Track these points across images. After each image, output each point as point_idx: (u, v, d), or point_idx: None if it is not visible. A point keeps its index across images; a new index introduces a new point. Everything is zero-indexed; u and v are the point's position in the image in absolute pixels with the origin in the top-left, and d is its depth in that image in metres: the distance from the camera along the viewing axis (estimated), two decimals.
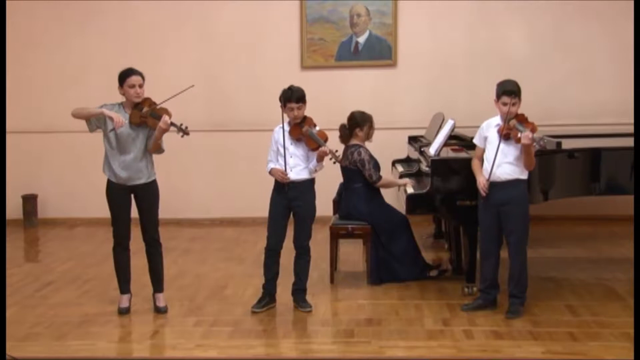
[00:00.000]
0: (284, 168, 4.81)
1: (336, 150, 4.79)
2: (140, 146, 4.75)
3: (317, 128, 4.83)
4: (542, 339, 4.32)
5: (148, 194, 4.84)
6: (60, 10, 7.93)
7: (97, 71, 7.66)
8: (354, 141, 5.60)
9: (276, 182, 4.89)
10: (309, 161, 4.88)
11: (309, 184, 4.91)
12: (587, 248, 6.54)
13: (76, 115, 4.72)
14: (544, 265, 5.88)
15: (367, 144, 5.64)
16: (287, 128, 4.84)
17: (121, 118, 4.62)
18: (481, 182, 4.68)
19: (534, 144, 4.39)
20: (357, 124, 5.58)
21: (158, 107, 4.72)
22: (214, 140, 7.85)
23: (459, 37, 7.68)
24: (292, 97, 4.76)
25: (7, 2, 7.07)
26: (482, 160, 4.77)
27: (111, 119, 4.59)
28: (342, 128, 5.65)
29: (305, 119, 4.82)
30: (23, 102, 8.02)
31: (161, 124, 4.61)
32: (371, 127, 5.63)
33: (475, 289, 5.04)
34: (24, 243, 7.48)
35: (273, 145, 4.91)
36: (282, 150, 4.82)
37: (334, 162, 4.79)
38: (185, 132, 4.63)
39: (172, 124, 4.64)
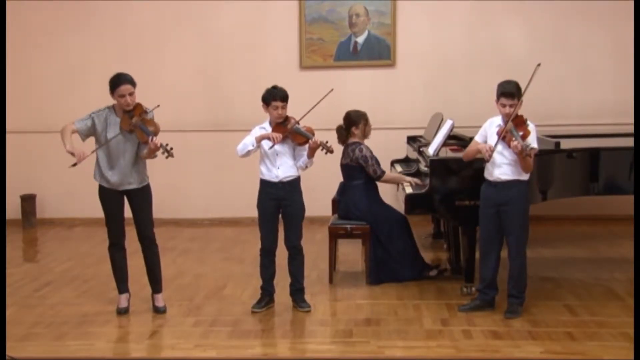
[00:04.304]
0: (270, 171, 4.83)
1: (327, 141, 4.77)
2: (131, 151, 4.74)
3: (301, 125, 4.84)
4: (540, 339, 4.32)
5: (140, 196, 4.84)
6: (59, 10, 7.93)
7: (97, 71, 7.62)
8: (352, 140, 5.61)
9: (263, 183, 4.90)
10: (296, 159, 4.89)
11: (297, 182, 4.92)
12: (585, 248, 6.55)
13: (61, 136, 4.65)
14: (542, 265, 5.88)
15: (366, 142, 5.64)
16: (268, 128, 4.84)
17: (83, 152, 4.51)
18: (483, 147, 4.56)
19: (523, 153, 4.40)
20: (353, 123, 5.60)
21: (148, 117, 4.68)
22: (212, 140, 7.86)
23: (458, 37, 7.69)
24: (278, 95, 4.77)
25: (7, 2, 7.07)
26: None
27: (72, 154, 4.52)
28: (339, 129, 5.68)
29: (287, 118, 4.83)
30: (22, 102, 8.02)
31: (151, 145, 4.57)
32: (367, 124, 5.64)
33: (474, 289, 5.04)
34: (23, 243, 7.47)
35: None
36: (265, 148, 4.82)
37: (326, 153, 4.75)
38: (170, 154, 4.56)
39: (160, 144, 4.59)
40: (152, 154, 4.69)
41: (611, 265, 5.87)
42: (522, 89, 4.55)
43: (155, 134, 4.63)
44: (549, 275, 5.62)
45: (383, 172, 5.56)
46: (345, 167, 5.63)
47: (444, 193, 5.09)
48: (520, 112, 4.58)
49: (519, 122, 4.54)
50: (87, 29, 7.96)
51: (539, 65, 4.52)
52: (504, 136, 4.51)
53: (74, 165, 4.55)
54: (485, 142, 4.69)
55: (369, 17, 7.72)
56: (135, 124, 4.64)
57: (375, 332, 4.50)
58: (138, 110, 4.68)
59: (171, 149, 4.57)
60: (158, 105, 4.82)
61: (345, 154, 5.62)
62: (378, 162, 5.57)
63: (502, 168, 4.61)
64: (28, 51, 8.01)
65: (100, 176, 4.79)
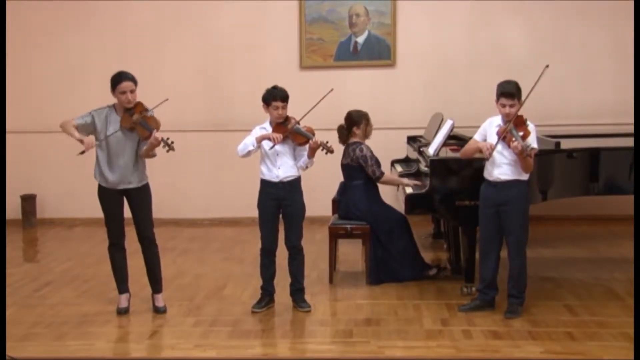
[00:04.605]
0: (271, 171, 4.84)
1: (327, 142, 4.78)
2: (131, 150, 4.74)
3: (302, 125, 4.84)
4: (540, 339, 4.32)
5: (140, 196, 4.84)
6: (59, 10, 7.93)
7: (97, 71, 7.62)
8: (353, 140, 5.61)
9: (263, 183, 4.90)
10: (296, 159, 4.89)
11: (297, 182, 4.92)
12: (585, 248, 6.55)
13: (62, 129, 4.68)
14: (542, 265, 5.88)
15: (366, 142, 5.65)
16: (269, 128, 4.84)
17: (92, 140, 4.58)
18: (483, 145, 4.57)
19: (523, 153, 4.40)
20: (354, 122, 5.60)
21: (149, 114, 4.69)
22: (212, 140, 7.87)
23: (458, 37, 7.69)
24: (278, 95, 4.77)
25: (7, 2, 7.07)
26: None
27: (81, 141, 4.56)
28: (340, 129, 5.68)
29: (287, 118, 4.83)
30: (22, 102, 8.02)
31: (152, 139, 4.59)
32: (368, 124, 5.65)
33: (474, 289, 5.04)
34: (23, 243, 7.48)
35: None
36: (266, 149, 4.83)
37: (326, 153, 4.75)
38: (170, 147, 4.57)
39: (161, 139, 4.61)
40: (151, 150, 4.69)
41: (611, 265, 5.87)
42: (527, 90, 4.54)
43: (156, 130, 4.64)
44: (549, 275, 5.62)
45: (382, 173, 5.56)
46: (345, 167, 5.63)
47: (444, 193, 5.09)
48: (520, 112, 4.58)
49: (519, 122, 4.53)
50: (87, 29, 7.96)
51: (547, 66, 4.53)
52: (504, 136, 4.51)
53: (82, 152, 4.57)
54: (485, 141, 4.69)
55: (369, 17, 7.72)
56: (136, 121, 4.64)
57: (375, 332, 4.50)
58: (139, 108, 4.69)
59: (172, 142, 4.58)
60: (167, 99, 4.82)
61: (345, 153, 5.62)
62: (378, 162, 5.57)
63: (502, 168, 4.61)
64: (28, 51, 8.01)
65: (99, 175, 4.80)
